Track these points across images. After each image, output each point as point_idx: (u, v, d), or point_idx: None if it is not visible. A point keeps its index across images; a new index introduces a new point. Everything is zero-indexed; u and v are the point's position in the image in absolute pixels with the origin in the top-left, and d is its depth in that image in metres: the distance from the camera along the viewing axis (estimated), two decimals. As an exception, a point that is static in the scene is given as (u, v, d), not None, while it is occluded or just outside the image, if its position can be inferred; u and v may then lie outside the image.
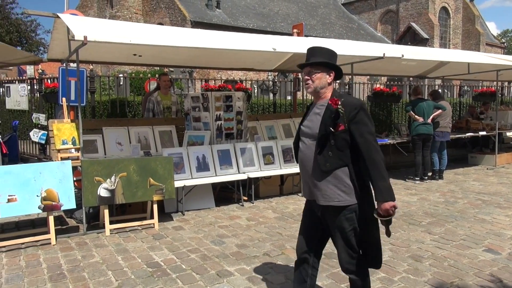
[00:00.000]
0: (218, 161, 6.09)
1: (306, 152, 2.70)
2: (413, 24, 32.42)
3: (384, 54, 6.36)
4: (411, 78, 11.28)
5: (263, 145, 6.63)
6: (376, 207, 2.59)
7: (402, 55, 6.67)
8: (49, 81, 7.80)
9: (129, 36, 4.26)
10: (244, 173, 6.22)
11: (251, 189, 6.29)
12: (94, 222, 5.22)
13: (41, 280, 3.65)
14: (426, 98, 8.68)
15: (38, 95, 8.15)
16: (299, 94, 9.64)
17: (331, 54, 2.75)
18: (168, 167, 5.17)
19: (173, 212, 5.78)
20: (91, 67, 7.98)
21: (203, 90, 9.30)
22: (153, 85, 8.32)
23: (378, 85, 11.69)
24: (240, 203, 6.21)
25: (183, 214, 5.68)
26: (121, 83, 12.01)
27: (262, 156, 6.52)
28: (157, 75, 7.79)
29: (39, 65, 7.26)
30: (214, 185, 6.26)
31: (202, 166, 5.97)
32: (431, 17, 32.25)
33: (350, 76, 7.83)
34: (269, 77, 16.75)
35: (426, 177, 8.05)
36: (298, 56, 7.10)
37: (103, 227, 4.93)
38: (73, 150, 5.30)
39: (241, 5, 26.78)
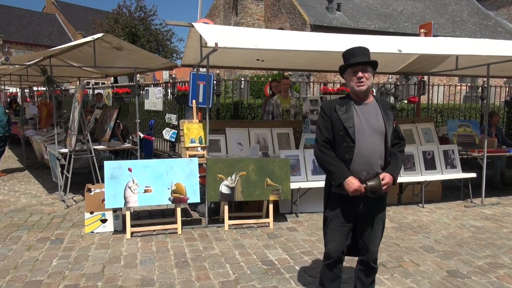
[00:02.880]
0: (334, 165, 6.01)
1: (370, 147, 2.78)
2: None
3: (529, 53, 5.61)
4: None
5: (382, 151, 6.35)
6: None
7: (553, 55, 5.81)
8: (181, 84, 8.57)
9: (255, 41, 4.46)
10: (360, 179, 6.03)
11: (367, 196, 6.08)
12: (214, 217, 5.57)
13: (169, 266, 4.03)
14: None
15: (171, 98, 9.02)
16: (423, 98, 9.03)
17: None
18: (285, 168, 5.28)
19: (287, 213, 5.88)
20: (217, 71, 8.55)
21: (321, 93, 9.28)
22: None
23: (519, 89, 10.35)
24: (355, 210, 6.04)
25: (297, 216, 5.74)
26: (242, 87, 12.61)
27: (380, 162, 6.25)
28: (270, 79, 7.98)
29: (173, 70, 8.02)
30: (329, 189, 6.19)
31: (318, 170, 5.95)
32: None
33: (484, 79, 7.07)
34: (390, 80, 16.00)
35: None
36: (424, 58, 6.67)
37: (223, 222, 5.23)
38: (199, 149, 5.73)
39: (362, 6, 26.06)
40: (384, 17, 25.76)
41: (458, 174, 6.61)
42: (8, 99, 17.28)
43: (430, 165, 6.52)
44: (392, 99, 10.21)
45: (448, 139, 7.47)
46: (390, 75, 13.79)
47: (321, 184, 5.83)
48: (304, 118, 6.64)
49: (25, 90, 15.11)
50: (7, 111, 9.35)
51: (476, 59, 6.22)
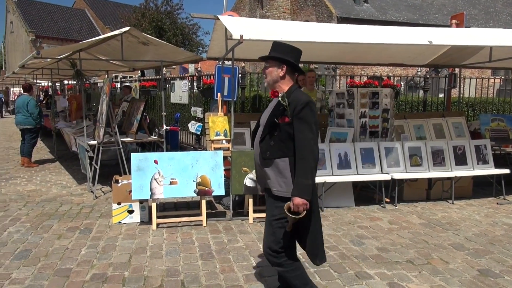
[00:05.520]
0: (360, 159, 5.93)
1: (256, 141, 2.86)
2: None
3: None
4: None
5: (410, 145, 6.21)
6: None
7: None
8: (206, 78, 8.60)
9: (281, 33, 4.40)
10: (387, 173, 5.93)
11: (394, 191, 5.97)
12: (239, 210, 5.57)
13: (194, 257, 4.06)
14: None
15: (196, 91, 9.06)
16: (454, 91, 8.77)
17: (288, 49, 2.79)
18: (310, 162, 5.21)
19: (312, 207, 5.82)
20: (242, 64, 8.54)
21: (348, 86, 9.14)
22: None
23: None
24: (382, 205, 5.94)
25: (322, 210, 5.68)
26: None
27: (408, 157, 6.12)
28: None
29: (199, 64, 8.05)
30: (354, 184, 6.11)
31: (344, 164, 5.89)
32: None
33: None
34: (419, 73, 15.59)
35: None
36: (456, 49, 6.46)
37: (247, 214, 5.23)
38: (224, 141, 5.74)
39: (391, -2, 25.48)
40: (414, 9, 25.13)
41: (490, 170, 6.39)
42: (42, 92, 17.79)
43: (460, 160, 6.33)
44: (420, 93, 9.95)
45: (480, 134, 7.23)
46: (419, 68, 13.43)
47: (347, 178, 5.81)
48: (330, 112, 6.55)
49: (56, 84, 15.51)
50: (38, 104, 9.62)
51: (509, 50, 5.96)
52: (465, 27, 7.88)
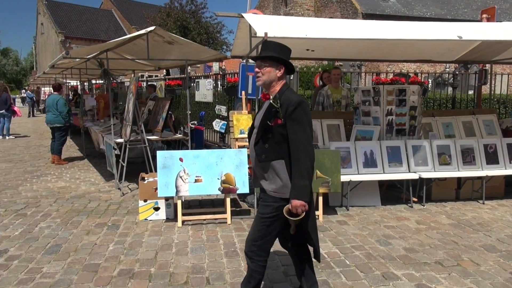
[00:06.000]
0: (386, 158, 5.82)
1: (251, 143, 2.83)
2: None
3: None
4: None
5: (439, 144, 6.06)
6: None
7: None
8: (230, 76, 8.62)
9: (305, 31, 4.37)
10: (415, 172, 5.80)
11: (422, 191, 5.83)
12: (263, 208, 5.56)
13: (218, 255, 4.08)
14: None
15: (221, 89, 9.10)
16: (484, 88, 8.50)
17: (283, 49, 2.76)
18: (335, 161, 5.16)
19: (337, 206, 5.76)
20: (266, 62, 8.52)
21: (373, 83, 8.99)
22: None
23: None
24: (409, 204, 5.82)
25: (347, 209, 5.62)
26: (291, 78, 12.48)
27: (437, 155, 5.97)
28: (320, 69, 7.83)
29: (223, 62, 8.08)
30: (380, 183, 6.00)
31: (370, 162, 5.79)
32: None
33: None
34: (447, 69, 15.20)
35: None
36: (487, 45, 6.26)
37: (272, 213, 5.21)
38: (248, 140, 5.74)
39: (418, -7, 24.92)
40: (441, 3, 24.51)
41: (523, 169, 6.16)
42: (72, 92, 18.27)
43: (492, 159, 6.13)
44: (449, 90, 9.71)
45: (513, 132, 6.99)
46: (448, 64, 13.10)
47: (373, 177, 5.72)
48: (355, 109, 6.46)
49: (85, 83, 15.87)
50: (67, 103, 9.85)
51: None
52: (496, 21, 7.63)
